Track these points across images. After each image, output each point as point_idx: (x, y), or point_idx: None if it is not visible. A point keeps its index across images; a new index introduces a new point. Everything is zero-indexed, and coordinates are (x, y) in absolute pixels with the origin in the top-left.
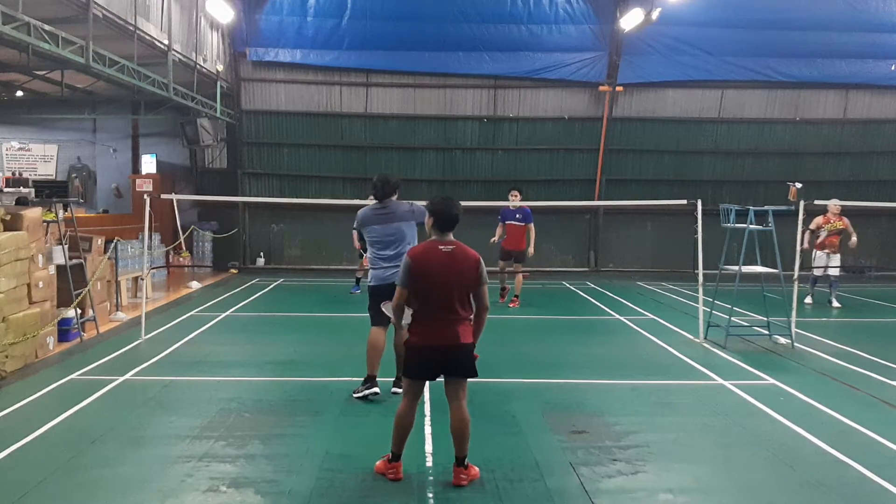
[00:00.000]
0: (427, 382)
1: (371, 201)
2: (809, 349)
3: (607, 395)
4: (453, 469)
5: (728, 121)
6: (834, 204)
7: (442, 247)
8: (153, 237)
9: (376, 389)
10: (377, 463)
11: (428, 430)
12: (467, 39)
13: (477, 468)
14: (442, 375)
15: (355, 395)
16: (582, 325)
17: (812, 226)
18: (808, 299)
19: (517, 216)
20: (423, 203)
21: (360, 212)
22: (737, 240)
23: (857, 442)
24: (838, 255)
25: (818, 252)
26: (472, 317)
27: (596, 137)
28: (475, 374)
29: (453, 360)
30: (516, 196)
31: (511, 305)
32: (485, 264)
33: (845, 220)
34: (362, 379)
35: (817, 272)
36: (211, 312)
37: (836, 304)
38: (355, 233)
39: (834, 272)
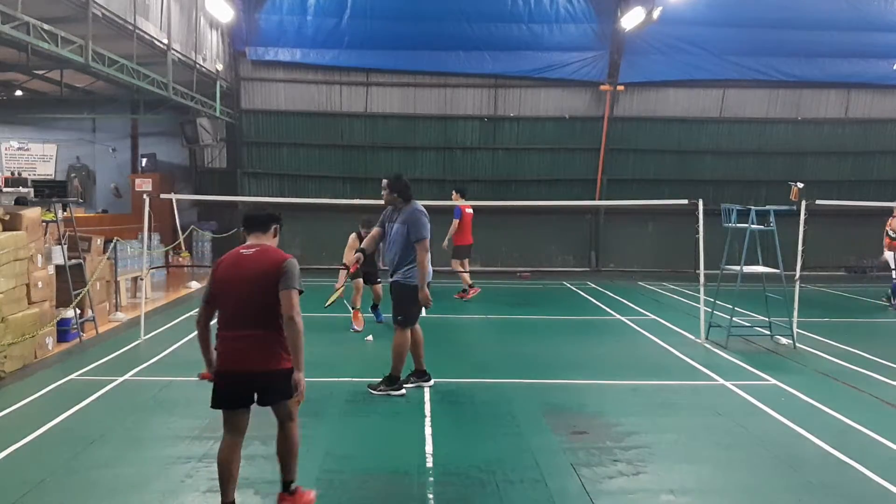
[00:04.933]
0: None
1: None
2: (811, 349)
3: (608, 396)
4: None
5: (729, 120)
6: None
7: (244, 251)
8: (152, 237)
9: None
10: None
11: (428, 430)
12: (468, 39)
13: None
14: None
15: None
16: (583, 326)
17: (888, 226)
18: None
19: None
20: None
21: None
22: (738, 240)
23: (859, 442)
24: None
25: (890, 253)
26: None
27: (597, 137)
28: (287, 396)
29: (262, 388)
30: (457, 197)
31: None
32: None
33: None
34: (382, 378)
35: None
36: None
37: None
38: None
39: None
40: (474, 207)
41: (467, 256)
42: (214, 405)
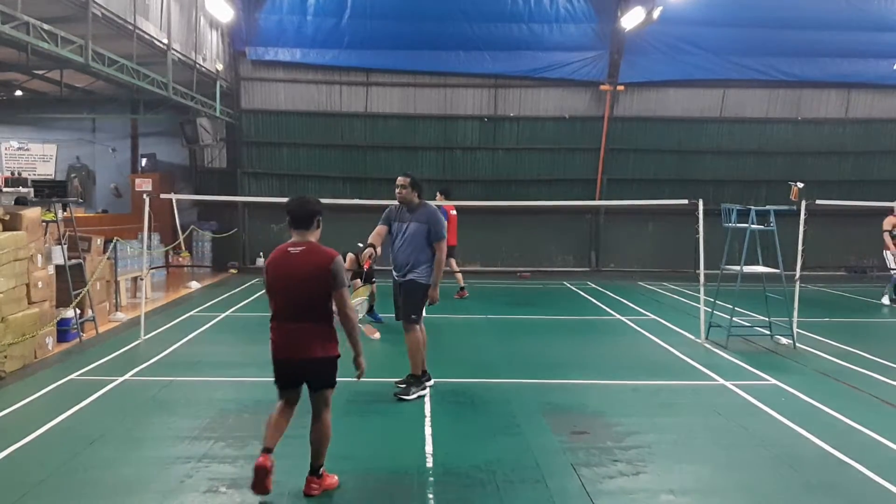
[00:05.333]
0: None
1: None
2: (811, 349)
3: (608, 396)
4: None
5: (729, 120)
6: None
7: (291, 249)
8: (152, 237)
9: (432, 381)
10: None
11: (428, 430)
12: (468, 38)
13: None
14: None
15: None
16: (583, 326)
17: (886, 226)
18: (886, 299)
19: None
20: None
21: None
22: (738, 240)
23: (859, 442)
24: None
25: (888, 252)
26: (329, 325)
27: (597, 137)
28: (331, 386)
29: (305, 375)
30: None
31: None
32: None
33: None
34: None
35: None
36: (210, 312)
37: (886, 301)
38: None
39: None
40: (474, 208)
41: (451, 257)
42: (276, 383)
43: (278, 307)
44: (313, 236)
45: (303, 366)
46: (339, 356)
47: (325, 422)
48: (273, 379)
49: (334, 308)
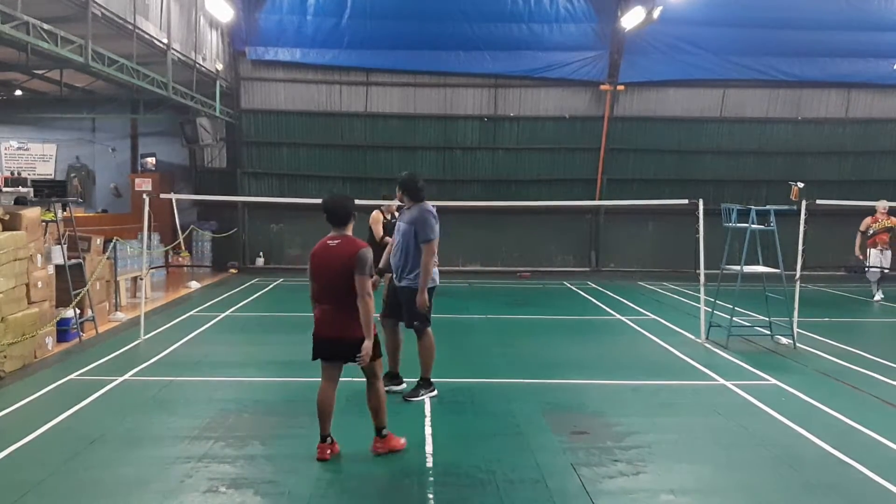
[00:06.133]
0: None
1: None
2: (811, 349)
3: (608, 396)
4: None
5: (730, 120)
6: (881, 204)
7: (330, 242)
8: (152, 237)
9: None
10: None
11: (428, 430)
12: (468, 38)
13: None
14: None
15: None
16: (583, 325)
17: (861, 227)
18: (878, 296)
19: None
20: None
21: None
22: (738, 239)
23: (859, 442)
24: (889, 251)
25: (872, 250)
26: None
27: (597, 137)
28: (377, 357)
29: (344, 351)
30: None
31: None
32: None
33: (893, 218)
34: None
35: (874, 269)
36: (210, 312)
37: (878, 296)
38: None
39: (887, 263)
40: (474, 208)
41: None
42: (314, 357)
43: (319, 292)
44: (348, 231)
45: (342, 343)
46: (375, 334)
47: (377, 389)
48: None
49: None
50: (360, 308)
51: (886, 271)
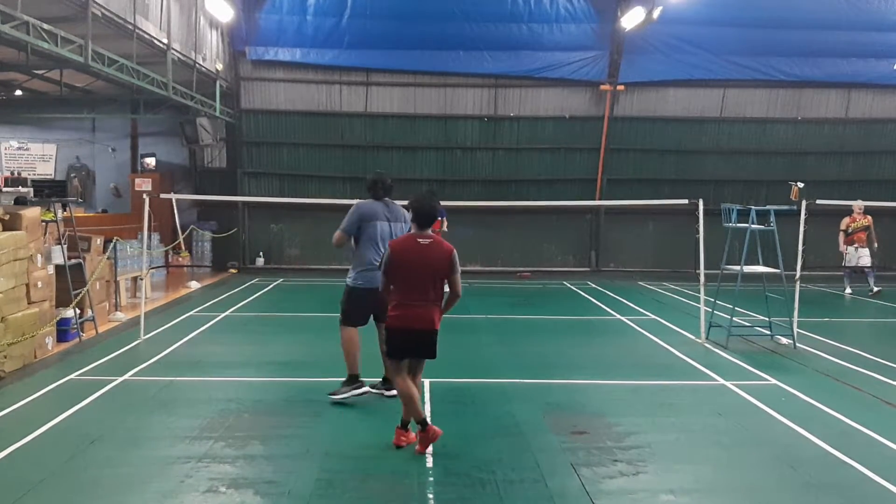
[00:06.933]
0: (428, 385)
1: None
2: (811, 349)
3: (608, 396)
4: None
5: (730, 120)
6: (858, 204)
7: (420, 240)
8: (152, 237)
9: (367, 388)
10: (395, 440)
11: None
12: (468, 38)
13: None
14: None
15: (335, 398)
16: (583, 326)
17: (842, 226)
18: (848, 290)
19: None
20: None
21: (362, 205)
22: (738, 239)
23: (859, 442)
24: (867, 249)
25: (849, 248)
26: (440, 304)
27: (597, 137)
28: (433, 356)
29: (423, 344)
30: None
31: None
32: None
33: (870, 217)
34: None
35: (849, 264)
36: (210, 312)
37: (875, 288)
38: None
39: (866, 262)
40: (474, 208)
41: None
42: (392, 355)
43: (404, 286)
44: (432, 230)
45: (422, 335)
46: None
47: (417, 384)
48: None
49: (446, 288)
50: (451, 303)
51: (868, 268)
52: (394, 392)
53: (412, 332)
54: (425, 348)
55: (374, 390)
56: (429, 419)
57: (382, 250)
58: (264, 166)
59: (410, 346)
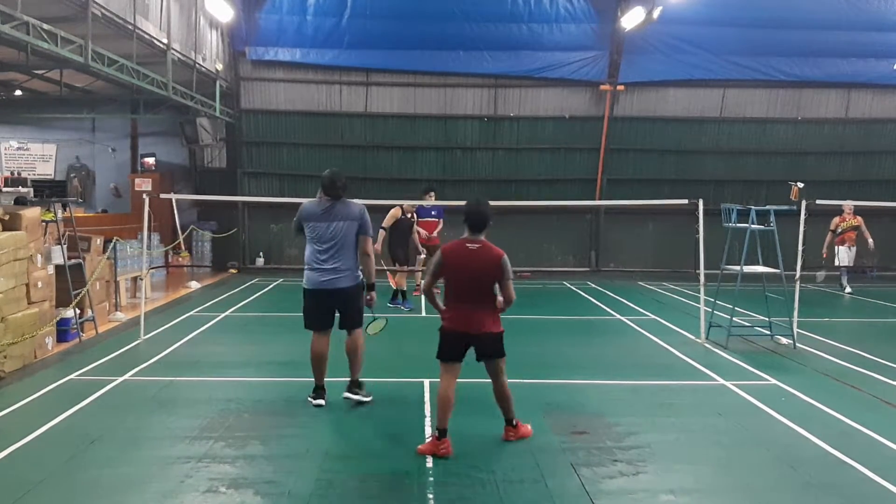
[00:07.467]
0: (427, 385)
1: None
2: (811, 349)
3: (608, 396)
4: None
5: (730, 120)
6: (847, 204)
7: (469, 245)
8: (152, 237)
9: (322, 402)
10: (421, 446)
11: (428, 430)
12: (468, 38)
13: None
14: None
15: (351, 397)
16: (583, 326)
17: (832, 226)
18: (848, 289)
19: (432, 213)
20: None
21: (303, 206)
22: (738, 239)
23: (859, 442)
24: (855, 248)
25: (840, 247)
26: (494, 306)
27: (597, 137)
28: (501, 356)
29: (478, 346)
30: (432, 196)
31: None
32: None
33: (859, 217)
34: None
35: (842, 263)
36: (210, 312)
37: (848, 288)
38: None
39: (848, 262)
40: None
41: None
42: (440, 356)
43: (456, 290)
44: (484, 236)
45: (478, 338)
46: (503, 331)
47: (502, 384)
48: (438, 352)
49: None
50: (504, 306)
51: (845, 269)
52: (365, 398)
53: (460, 335)
54: (483, 349)
55: (352, 396)
56: (428, 419)
57: (318, 253)
58: (264, 166)
59: (458, 349)
